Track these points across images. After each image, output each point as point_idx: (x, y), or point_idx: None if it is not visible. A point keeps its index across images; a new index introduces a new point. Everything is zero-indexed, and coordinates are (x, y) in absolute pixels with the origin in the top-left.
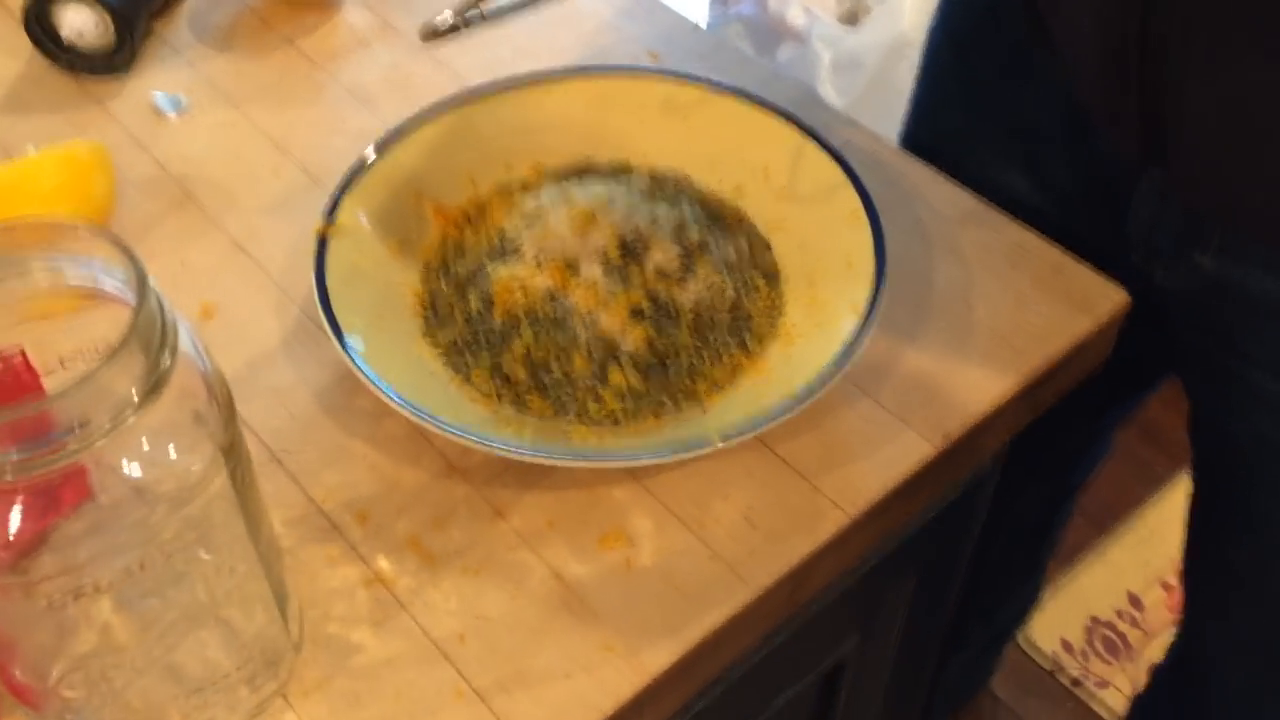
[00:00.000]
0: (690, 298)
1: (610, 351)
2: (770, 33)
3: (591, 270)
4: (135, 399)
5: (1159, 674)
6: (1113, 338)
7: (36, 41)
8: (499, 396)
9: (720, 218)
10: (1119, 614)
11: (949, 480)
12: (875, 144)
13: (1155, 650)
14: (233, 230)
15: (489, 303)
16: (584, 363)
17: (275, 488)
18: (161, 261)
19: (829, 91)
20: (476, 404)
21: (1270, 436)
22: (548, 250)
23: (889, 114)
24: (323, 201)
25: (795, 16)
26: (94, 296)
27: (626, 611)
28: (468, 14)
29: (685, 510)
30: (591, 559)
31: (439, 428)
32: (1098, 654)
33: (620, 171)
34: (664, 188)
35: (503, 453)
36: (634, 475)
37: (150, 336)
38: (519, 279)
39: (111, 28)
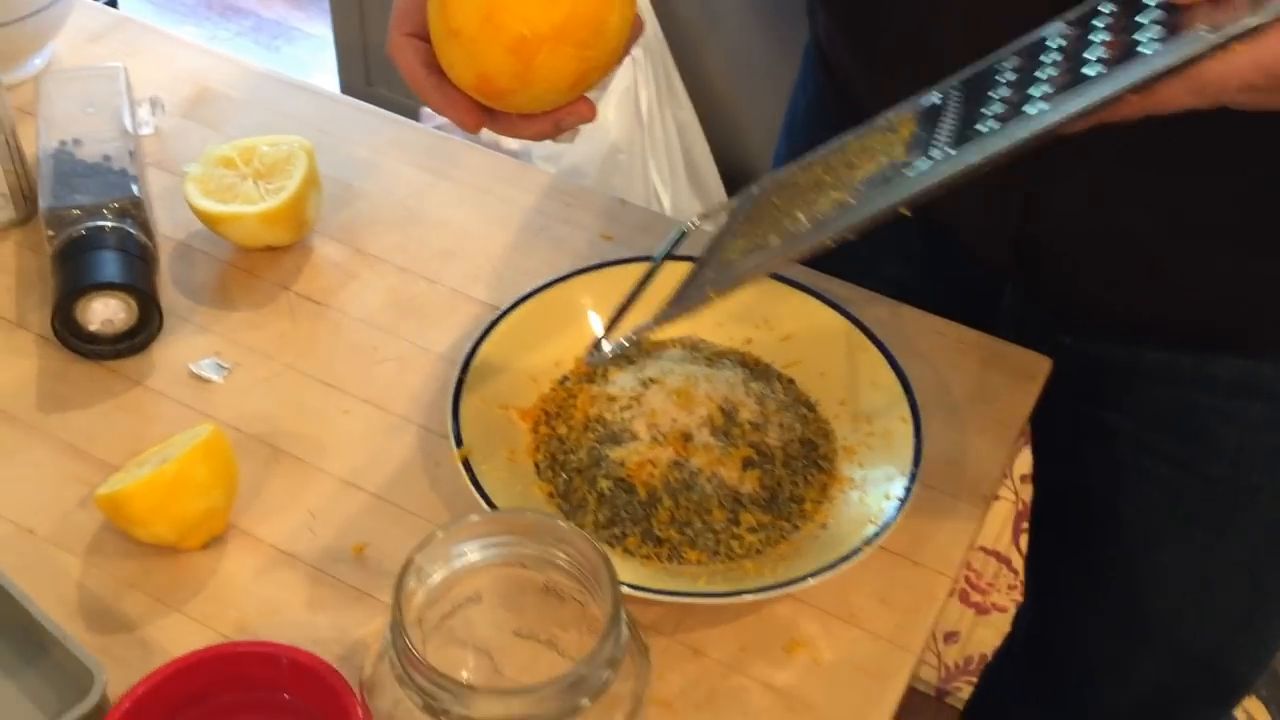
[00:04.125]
0: (774, 439)
1: (736, 498)
2: None
3: (703, 437)
4: None
5: (1008, 644)
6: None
7: (63, 340)
8: (657, 557)
9: (750, 366)
10: None
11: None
12: (813, 275)
13: None
14: (338, 471)
15: (621, 481)
16: (720, 513)
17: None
18: (288, 515)
19: None
20: (648, 566)
21: (1122, 462)
22: (661, 428)
23: None
24: (400, 427)
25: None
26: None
27: (835, 697)
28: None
29: (837, 608)
30: (788, 665)
31: (659, 596)
32: None
33: (657, 348)
34: (705, 354)
35: (716, 601)
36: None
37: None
38: (646, 457)
39: (135, 309)
